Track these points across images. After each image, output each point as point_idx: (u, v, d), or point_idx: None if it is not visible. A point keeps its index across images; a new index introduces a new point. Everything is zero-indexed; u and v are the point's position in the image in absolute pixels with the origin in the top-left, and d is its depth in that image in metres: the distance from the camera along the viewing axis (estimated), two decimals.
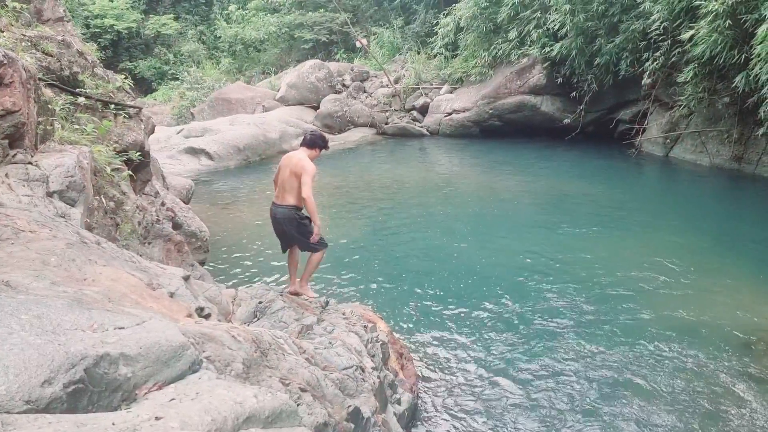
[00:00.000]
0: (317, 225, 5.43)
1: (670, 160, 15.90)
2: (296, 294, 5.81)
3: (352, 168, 15.97)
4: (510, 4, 18.53)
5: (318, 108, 21.75)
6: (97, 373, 1.84)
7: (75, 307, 2.22)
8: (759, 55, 10.91)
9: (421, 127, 20.86)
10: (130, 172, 5.70)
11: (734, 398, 5.28)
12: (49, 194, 3.95)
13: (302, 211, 5.53)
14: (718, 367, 5.78)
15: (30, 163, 3.99)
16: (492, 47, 19.52)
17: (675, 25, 13.88)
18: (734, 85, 12.42)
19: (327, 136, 6.17)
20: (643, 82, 15.41)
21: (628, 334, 6.44)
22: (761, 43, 10.74)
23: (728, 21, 11.80)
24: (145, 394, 1.97)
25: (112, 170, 5.27)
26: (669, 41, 14.26)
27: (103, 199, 4.94)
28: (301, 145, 5.69)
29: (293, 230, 5.54)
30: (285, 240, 5.81)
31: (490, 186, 13.87)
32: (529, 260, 8.73)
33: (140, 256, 4.21)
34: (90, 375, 1.82)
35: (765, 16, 10.62)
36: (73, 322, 2.05)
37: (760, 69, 11.02)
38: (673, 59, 14.44)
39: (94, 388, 1.82)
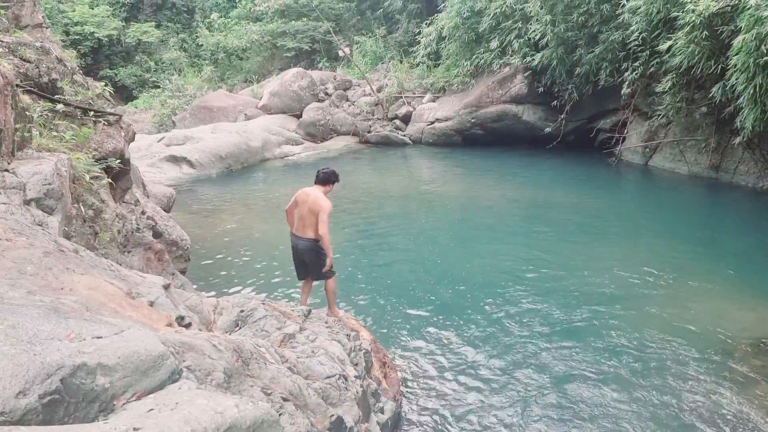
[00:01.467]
0: (330, 257, 5.94)
1: (650, 168, 16.11)
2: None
3: None
4: (492, 15, 18.72)
5: (301, 116, 21.73)
6: (73, 384, 1.81)
7: (52, 316, 2.18)
8: (735, 65, 11.12)
9: (404, 135, 20.92)
10: (110, 180, 5.62)
11: (713, 403, 5.33)
12: (26, 202, 3.89)
13: (320, 244, 5.96)
14: (697, 372, 5.83)
15: (6, 170, 3.92)
16: (474, 56, 19.69)
17: (653, 36, 14.11)
18: (711, 95, 12.64)
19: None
20: (622, 92, 15.62)
21: (608, 340, 6.48)
22: (737, 54, 10.95)
23: (705, 32, 12.02)
24: (124, 404, 1.94)
25: (91, 178, 5.20)
26: (647, 52, 14.49)
27: (81, 207, 4.87)
28: (316, 182, 6.12)
29: (313, 260, 6.01)
30: (303, 269, 6.22)
31: (473, 194, 13.92)
32: (510, 267, 8.76)
33: (119, 264, 4.16)
34: (66, 385, 1.78)
35: (740, 27, 10.83)
36: (49, 332, 2.01)
37: (737, 79, 11.24)
38: (651, 69, 14.67)
39: (70, 398, 1.78)
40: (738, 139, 12.45)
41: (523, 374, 5.88)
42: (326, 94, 22.83)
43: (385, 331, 6.86)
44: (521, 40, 18.05)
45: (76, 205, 4.78)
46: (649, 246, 9.80)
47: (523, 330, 6.78)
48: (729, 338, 6.49)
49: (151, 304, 3.29)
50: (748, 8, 10.48)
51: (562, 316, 7.14)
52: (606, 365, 6.01)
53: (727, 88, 11.83)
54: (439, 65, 21.85)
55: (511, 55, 18.53)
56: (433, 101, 21.21)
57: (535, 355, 6.24)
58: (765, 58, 10.38)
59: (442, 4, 21.38)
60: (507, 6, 18.30)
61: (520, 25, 18.12)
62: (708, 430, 4.97)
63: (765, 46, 10.32)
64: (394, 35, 26.04)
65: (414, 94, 21.97)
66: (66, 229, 4.32)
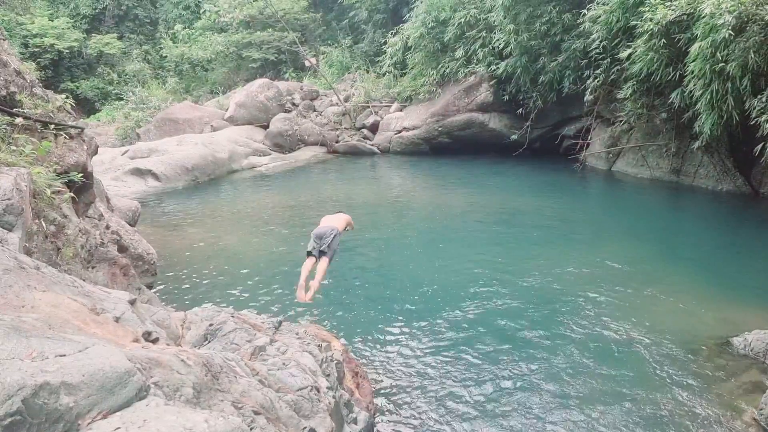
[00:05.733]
0: (351, 223, 7.14)
1: (613, 173, 16.44)
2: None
3: (303, 187, 15.90)
4: (456, 24, 18.93)
5: (268, 127, 21.63)
6: (36, 404, 1.75)
7: (12, 335, 2.12)
8: (692, 72, 11.45)
9: (372, 145, 20.98)
10: (72, 195, 5.50)
11: (678, 402, 5.43)
12: None
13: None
14: (662, 372, 5.94)
15: None
16: (440, 66, 19.89)
17: (614, 44, 14.45)
18: (670, 101, 13.00)
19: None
20: (585, 99, 15.94)
21: (576, 343, 6.56)
22: (694, 60, 11.27)
23: (663, 40, 12.35)
24: (89, 424, 1.89)
25: (53, 193, 5.08)
26: (608, 59, 14.83)
27: (43, 223, 4.75)
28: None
29: (331, 238, 6.45)
30: (317, 241, 6.51)
31: (441, 202, 14.01)
32: (479, 274, 8.82)
33: (83, 280, 4.06)
34: (28, 406, 1.73)
35: (697, 35, 11.16)
36: (9, 351, 1.95)
37: (694, 85, 11.56)
38: (612, 77, 15.00)
39: (32, 419, 1.73)
40: (697, 144, 12.79)
41: (494, 379, 5.91)
42: (293, 104, 22.77)
43: (357, 340, 6.84)
44: (486, 49, 18.30)
45: (37, 220, 4.66)
46: (613, 249, 9.97)
47: (493, 335, 6.83)
48: (693, 338, 6.63)
49: (117, 320, 3.22)
50: (704, 17, 10.81)
51: (529, 319, 7.22)
52: (572, 368, 6.07)
53: (686, 94, 12.17)
54: (405, 75, 21.99)
55: (476, 64, 18.77)
56: (400, 110, 21.33)
57: (505, 359, 6.28)
58: (720, 65, 10.71)
59: (408, 15, 21.56)
60: (471, 15, 18.56)
61: (484, 35, 18.37)
62: (672, 429, 5.06)
63: (720, 53, 10.66)
64: (360, 45, 26.14)
65: (381, 103, 22.07)
66: (27, 245, 4.21)
